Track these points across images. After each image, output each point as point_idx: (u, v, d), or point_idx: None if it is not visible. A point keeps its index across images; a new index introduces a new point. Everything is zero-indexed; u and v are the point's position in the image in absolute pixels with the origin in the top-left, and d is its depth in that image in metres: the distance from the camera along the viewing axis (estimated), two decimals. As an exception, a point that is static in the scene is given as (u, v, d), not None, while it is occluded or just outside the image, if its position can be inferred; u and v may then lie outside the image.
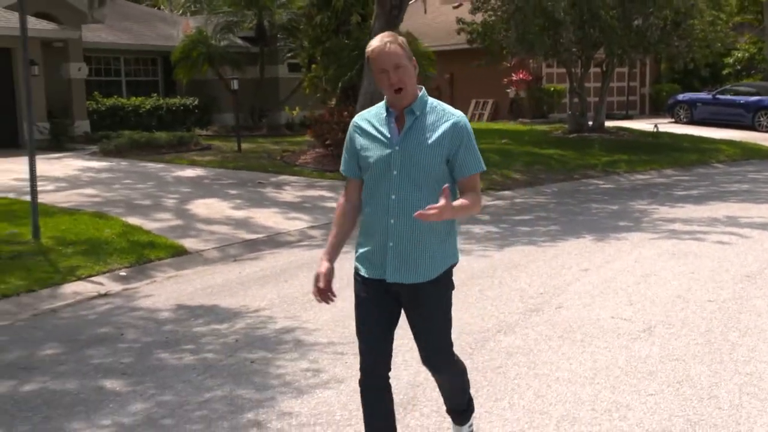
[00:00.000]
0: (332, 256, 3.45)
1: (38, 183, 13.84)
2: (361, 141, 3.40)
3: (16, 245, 8.91)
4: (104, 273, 8.26)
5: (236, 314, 6.68)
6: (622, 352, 5.38)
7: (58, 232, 9.57)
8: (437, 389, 4.75)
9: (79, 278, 8.05)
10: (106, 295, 7.62)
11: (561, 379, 4.90)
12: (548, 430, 4.18)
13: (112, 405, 4.70)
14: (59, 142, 19.23)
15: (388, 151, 3.30)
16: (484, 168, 3.39)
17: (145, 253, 8.95)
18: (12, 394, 4.94)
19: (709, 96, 27.34)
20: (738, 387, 4.72)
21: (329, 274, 3.40)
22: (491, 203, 13.07)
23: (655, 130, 22.67)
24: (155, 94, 24.17)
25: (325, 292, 3.40)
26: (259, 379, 5.07)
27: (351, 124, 3.49)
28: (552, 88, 28.62)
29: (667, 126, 24.86)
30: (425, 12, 20.69)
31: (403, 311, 3.48)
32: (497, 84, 27.89)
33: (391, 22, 16.30)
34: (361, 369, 3.48)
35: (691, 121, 26.98)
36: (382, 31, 14.57)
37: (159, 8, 38.67)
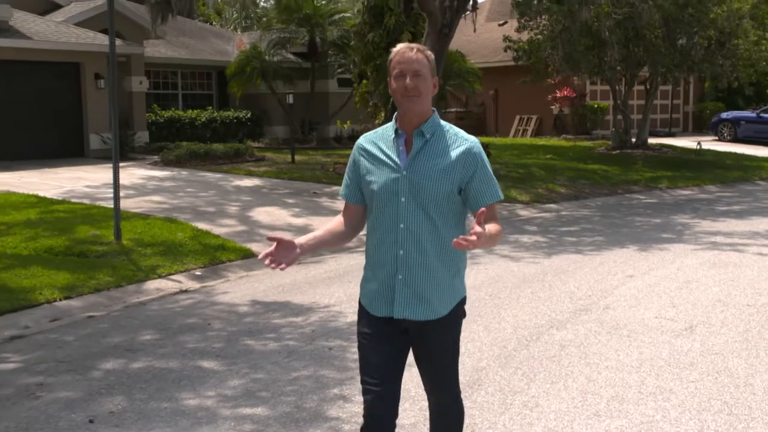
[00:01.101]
0: (306, 241, 3.19)
1: (107, 190, 14.74)
2: (366, 164, 3.19)
3: (100, 246, 9.67)
4: (181, 272, 8.97)
5: (309, 309, 7.33)
6: (665, 347, 5.93)
7: (136, 235, 10.32)
8: (500, 371, 5.37)
9: (160, 276, 8.78)
10: (186, 291, 8.32)
11: (609, 368, 5.47)
12: (600, 407, 4.75)
13: (213, 380, 5.36)
14: (122, 151, 20.11)
15: (395, 175, 3.09)
16: (501, 197, 3.18)
17: (216, 255, 9.66)
18: (124, 370, 5.63)
19: (754, 114, 27.59)
20: (771, 377, 5.25)
21: (287, 243, 3.08)
22: (538, 215, 13.62)
23: (699, 147, 23.02)
24: (210, 107, 25.10)
25: (272, 253, 3.03)
26: (338, 362, 5.71)
27: (356, 145, 3.28)
28: (595, 105, 29.05)
29: (710, 144, 25.16)
30: (474, 31, 21.27)
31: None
32: (541, 100, 28.39)
33: (442, 40, 16.96)
34: (366, 416, 3.16)
35: (735, 139, 27.24)
36: (434, 49, 15.32)
37: (211, 23, 39.86)
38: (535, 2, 17.49)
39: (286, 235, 3.14)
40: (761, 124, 27.02)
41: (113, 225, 10.20)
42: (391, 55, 3.13)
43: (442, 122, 3.15)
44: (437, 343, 3.18)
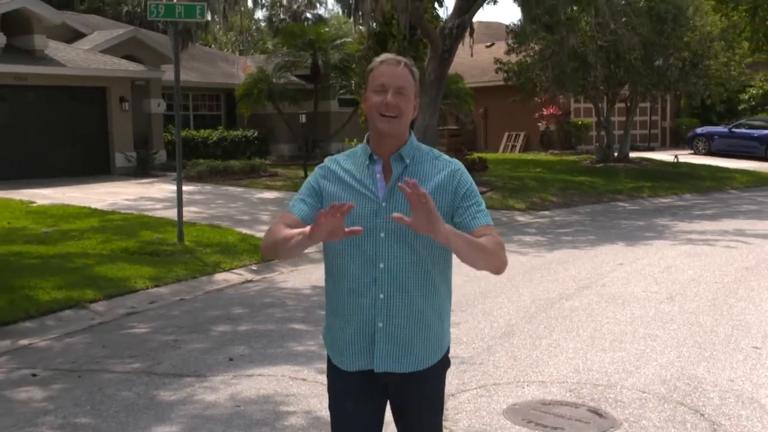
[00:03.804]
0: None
1: (146, 203, 16.37)
2: (333, 192, 2.74)
3: (167, 246, 11.26)
4: (240, 267, 10.57)
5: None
6: (651, 309, 7.63)
7: (193, 238, 11.91)
8: (527, 326, 7.03)
9: (224, 270, 10.38)
10: (251, 281, 9.93)
11: (610, 322, 7.16)
12: (605, 345, 6.44)
13: (308, 336, 6.97)
14: (145, 169, 21.74)
15: (373, 207, 2.69)
16: (491, 223, 2.76)
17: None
18: (234, 331, 7.24)
19: (726, 130, 29.54)
20: (731, 327, 6.97)
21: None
22: (534, 221, 15.34)
23: (676, 160, 24.87)
24: (220, 127, 26.73)
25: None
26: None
27: (319, 168, 2.84)
28: (580, 122, 30.95)
29: (686, 157, 27.06)
30: (471, 55, 23.06)
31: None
32: (529, 118, 30.23)
33: (443, 64, 18.75)
34: None
35: (709, 153, 29.16)
36: (436, 73, 17.21)
37: (210, 46, 41.49)
38: (530, 32, 19.27)
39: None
40: (733, 139, 28.98)
41: (175, 229, 11.80)
42: (374, 64, 2.76)
43: (421, 145, 2.81)
44: (422, 399, 2.82)
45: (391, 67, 2.71)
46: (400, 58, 2.76)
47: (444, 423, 4.71)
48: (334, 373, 2.86)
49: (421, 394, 2.82)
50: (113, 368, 6.11)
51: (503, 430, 4.72)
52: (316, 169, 2.84)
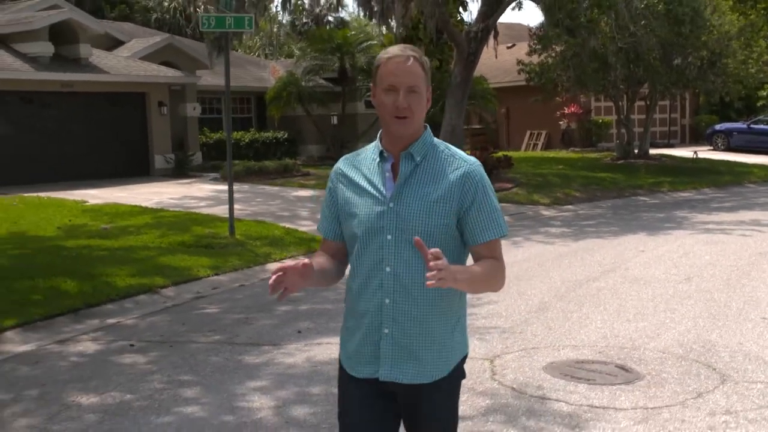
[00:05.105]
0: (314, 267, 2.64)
1: (189, 201, 17.32)
2: (345, 193, 2.70)
3: (220, 240, 12.17)
4: (290, 257, 11.44)
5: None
6: (671, 288, 8.44)
7: (242, 232, 12.81)
8: (558, 303, 7.86)
9: (275, 260, 11.24)
10: (301, 269, 10.81)
11: (633, 299, 7.98)
12: (629, 316, 7.27)
13: (363, 313, 7.83)
14: (182, 170, 22.71)
15: (380, 208, 2.61)
16: (506, 233, 2.67)
17: (312, 245, 12.14)
18: (295, 310, 8.12)
19: (745, 126, 30.19)
20: (743, 302, 7.77)
21: (298, 269, 2.54)
22: (559, 214, 16.14)
23: (695, 156, 25.54)
24: (252, 129, 27.71)
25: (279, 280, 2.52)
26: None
27: (333, 170, 2.80)
28: (600, 120, 31.68)
29: (705, 153, 27.73)
30: (496, 57, 23.86)
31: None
32: (550, 117, 30.98)
33: (468, 67, 19.58)
34: None
35: (728, 149, 29.81)
36: (462, 75, 18.12)
37: (236, 50, 42.50)
38: (553, 36, 20.08)
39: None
40: (752, 135, 29.63)
41: (224, 224, 12.73)
42: (380, 60, 2.62)
43: (436, 140, 2.68)
44: (431, 413, 2.69)
45: (399, 64, 2.58)
46: (408, 50, 2.62)
47: (492, 377, 5.59)
48: (344, 380, 2.77)
49: (431, 407, 2.67)
50: (198, 340, 7.00)
51: (544, 381, 5.55)
52: (331, 173, 2.81)
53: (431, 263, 2.33)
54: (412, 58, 2.58)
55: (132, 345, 6.85)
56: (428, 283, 2.32)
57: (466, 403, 4.98)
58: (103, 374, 6.02)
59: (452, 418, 2.74)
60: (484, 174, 2.67)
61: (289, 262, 2.50)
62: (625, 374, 5.66)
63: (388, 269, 2.60)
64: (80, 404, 5.38)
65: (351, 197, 2.67)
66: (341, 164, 2.76)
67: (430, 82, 2.65)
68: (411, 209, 2.57)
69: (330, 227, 2.78)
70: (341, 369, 2.78)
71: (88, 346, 6.93)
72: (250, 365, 6.17)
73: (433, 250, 2.36)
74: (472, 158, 2.69)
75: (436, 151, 2.65)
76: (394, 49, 2.62)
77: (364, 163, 2.69)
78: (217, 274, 10.16)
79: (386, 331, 2.62)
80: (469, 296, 7.64)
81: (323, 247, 2.82)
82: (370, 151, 2.71)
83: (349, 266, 2.79)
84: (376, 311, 2.62)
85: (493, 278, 2.62)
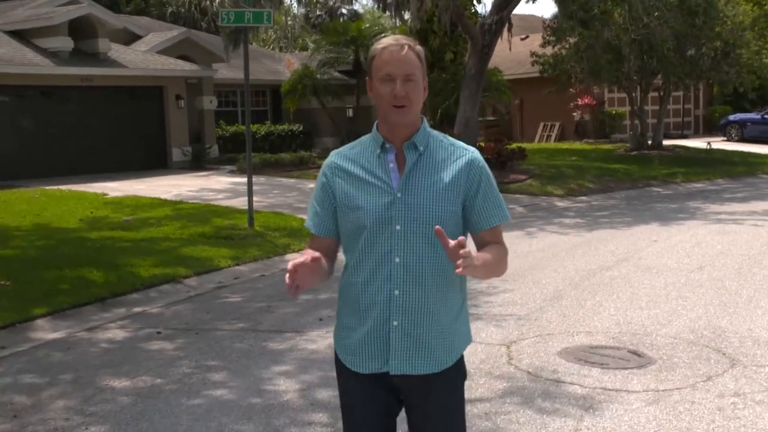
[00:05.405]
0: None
1: (208, 193, 17.57)
2: (344, 188, 2.67)
3: (240, 231, 12.41)
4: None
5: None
6: (683, 277, 8.61)
7: (261, 223, 13.05)
8: (572, 291, 8.05)
9: (294, 251, 11.46)
10: (319, 260, 11.03)
11: (646, 287, 8.15)
12: (641, 304, 7.44)
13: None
14: (199, 162, 22.99)
15: (388, 199, 2.60)
16: (509, 218, 2.75)
17: (329, 236, 12.37)
18: (315, 299, 8.32)
19: (759, 116, 30.18)
20: (754, 290, 7.94)
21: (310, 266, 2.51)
22: (573, 205, 16.29)
23: (709, 147, 25.60)
24: (267, 122, 27.95)
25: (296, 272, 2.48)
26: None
27: (325, 165, 2.74)
28: (614, 111, 31.73)
29: (719, 144, 27.76)
30: (510, 49, 23.98)
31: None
32: (564, 108, 31.06)
33: (483, 59, 19.72)
34: None
35: (742, 139, 29.84)
36: (476, 67, 18.33)
37: (251, 44, 42.76)
38: (567, 28, 20.19)
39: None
40: (766, 125, 29.64)
41: (242, 216, 12.97)
42: (375, 51, 2.63)
43: (434, 132, 2.73)
44: (442, 402, 2.70)
45: (394, 53, 2.58)
46: (403, 40, 2.63)
47: (509, 361, 5.80)
48: (345, 378, 2.75)
49: (440, 397, 2.69)
50: (222, 327, 7.24)
51: (558, 365, 5.75)
52: (324, 169, 2.74)
53: (461, 251, 2.36)
54: (406, 47, 2.59)
55: (159, 332, 7.09)
56: (457, 270, 2.36)
57: (483, 386, 5.18)
58: (133, 360, 6.26)
59: (456, 415, 2.74)
60: (484, 162, 2.73)
61: (298, 258, 2.49)
62: (637, 359, 5.85)
63: (397, 260, 2.59)
64: (113, 387, 5.62)
65: (352, 190, 2.65)
66: (335, 158, 2.73)
67: (425, 72, 2.66)
68: (420, 198, 2.59)
69: (322, 223, 2.73)
70: (339, 364, 2.76)
71: (116, 333, 7.18)
72: (274, 351, 6.40)
73: (460, 238, 2.40)
74: (472, 147, 2.74)
75: (436, 140, 2.68)
76: (388, 40, 2.63)
77: (362, 156, 2.68)
78: (237, 265, 10.38)
79: (395, 323, 2.60)
80: (485, 285, 7.81)
81: (313, 245, 2.75)
82: (368, 143, 2.70)
83: (344, 263, 2.75)
84: (384, 303, 2.60)
85: (503, 263, 2.69)
